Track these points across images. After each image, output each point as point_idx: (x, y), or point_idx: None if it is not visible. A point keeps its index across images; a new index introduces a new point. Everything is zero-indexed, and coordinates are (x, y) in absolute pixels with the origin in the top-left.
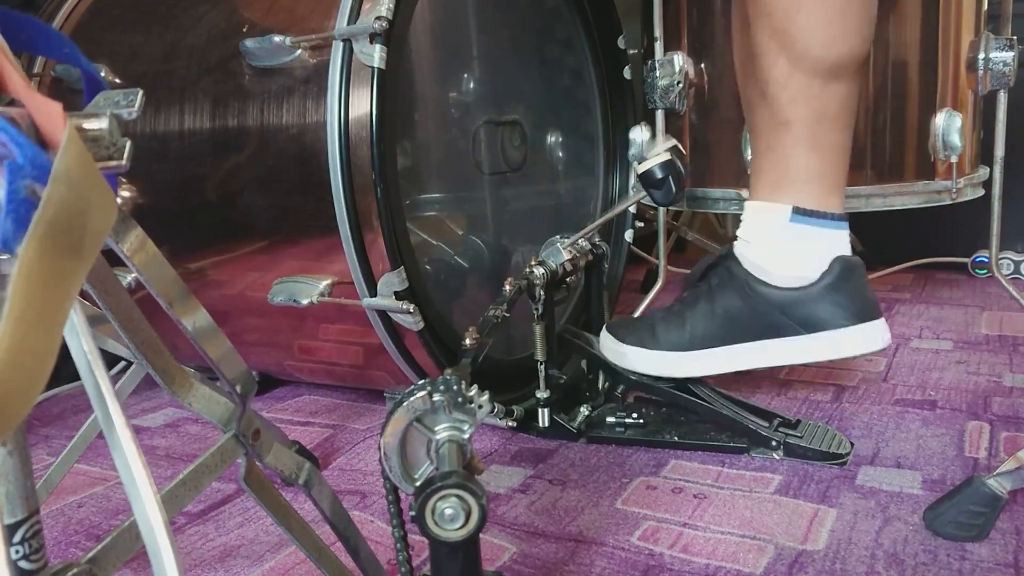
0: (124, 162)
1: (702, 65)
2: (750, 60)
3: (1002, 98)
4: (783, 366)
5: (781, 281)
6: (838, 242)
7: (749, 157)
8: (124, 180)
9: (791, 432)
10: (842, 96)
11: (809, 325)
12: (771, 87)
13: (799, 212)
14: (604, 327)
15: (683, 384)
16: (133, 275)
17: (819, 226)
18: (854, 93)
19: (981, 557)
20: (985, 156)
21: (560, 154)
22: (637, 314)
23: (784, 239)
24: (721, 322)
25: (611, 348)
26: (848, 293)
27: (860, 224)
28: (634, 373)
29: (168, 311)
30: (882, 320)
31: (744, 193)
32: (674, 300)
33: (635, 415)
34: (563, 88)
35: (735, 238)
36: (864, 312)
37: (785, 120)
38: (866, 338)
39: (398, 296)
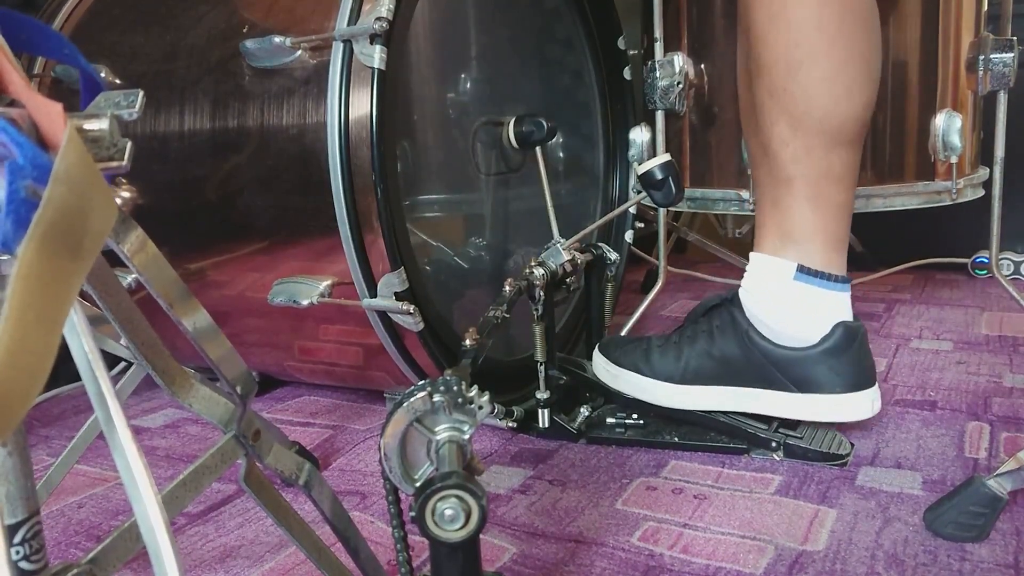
0: (124, 163)
1: (702, 66)
2: (753, 115)
3: (1002, 98)
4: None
5: (781, 339)
6: (841, 305)
7: (747, 163)
8: (124, 180)
9: (791, 433)
10: (845, 159)
11: (803, 386)
12: (773, 145)
13: (804, 271)
14: (596, 347)
15: None
16: (133, 276)
17: (823, 287)
18: (858, 157)
19: (981, 557)
20: (985, 156)
21: (560, 155)
22: (637, 314)
23: (787, 297)
24: (717, 364)
25: (603, 368)
26: (847, 361)
27: (860, 224)
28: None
29: (168, 312)
30: (875, 388)
31: (744, 193)
32: (674, 331)
33: (635, 416)
34: (563, 89)
35: (734, 236)
36: (859, 381)
37: (788, 178)
38: (857, 407)
39: (398, 297)
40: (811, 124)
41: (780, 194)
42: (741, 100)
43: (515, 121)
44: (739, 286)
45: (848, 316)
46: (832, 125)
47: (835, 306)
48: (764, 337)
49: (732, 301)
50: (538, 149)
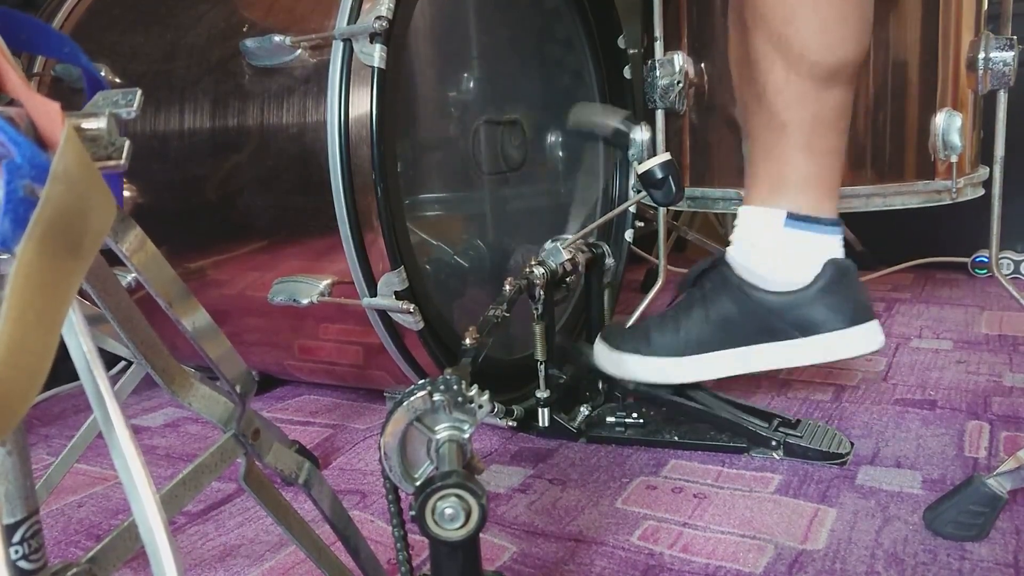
0: (123, 162)
1: (702, 65)
2: (747, 65)
3: (1002, 98)
4: (781, 368)
5: (775, 286)
6: (831, 246)
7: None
8: (124, 180)
9: (791, 432)
10: (838, 101)
11: (803, 328)
12: (768, 91)
13: (793, 217)
14: (598, 336)
15: (681, 390)
16: (132, 275)
17: (813, 231)
18: (850, 98)
19: (981, 557)
20: (985, 156)
21: (560, 154)
22: (636, 314)
23: (778, 244)
24: (716, 327)
25: (606, 356)
26: (841, 296)
27: (860, 224)
28: (631, 382)
29: (167, 311)
30: (875, 322)
31: (744, 192)
32: (667, 306)
33: (635, 415)
34: (563, 88)
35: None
36: (858, 314)
37: (781, 124)
38: (860, 340)
39: (398, 296)
40: (805, 68)
41: (772, 141)
42: (732, 51)
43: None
44: (725, 250)
45: (840, 255)
46: (826, 69)
47: (826, 247)
48: (758, 288)
49: (719, 262)
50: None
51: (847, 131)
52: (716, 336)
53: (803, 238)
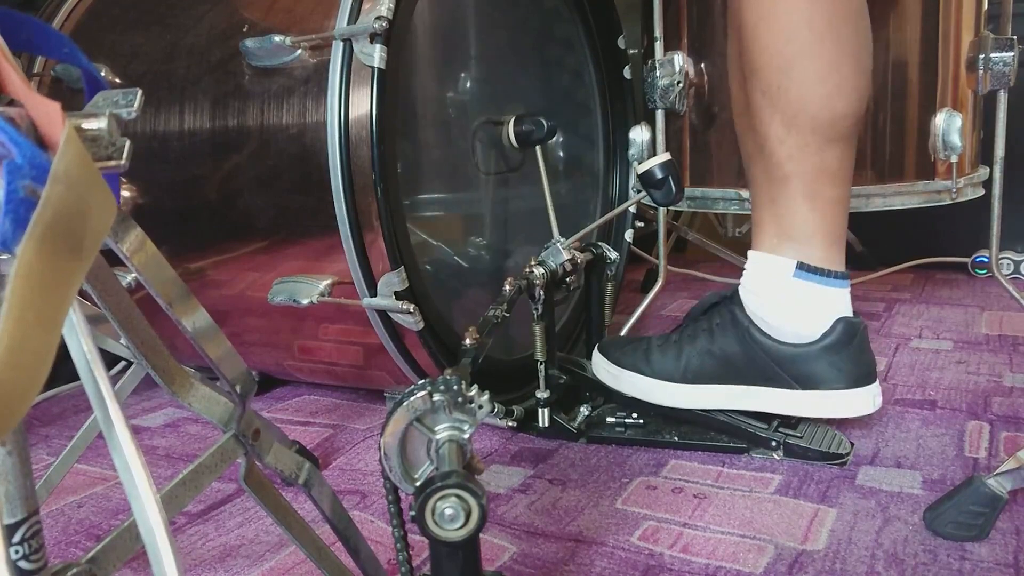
0: (123, 162)
1: (702, 65)
2: (747, 114)
3: (1002, 98)
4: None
5: (781, 335)
6: (841, 301)
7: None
8: (124, 180)
9: (791, 432)
10: (840, 155)
11: (804, 382)
12: (768, 143)
13: (803, 268)
14: (596, 347)
15: None
16: (133, 275)
17: (822, 284)
18: (853, 151)
19: (981, 557)
20: (985, 156)
21: (560, 154)
22: (636, 314)
23: (787, 294)
24: (717, 362)
25: (604, 369)
26: (848, 356)
27: (860, 223)
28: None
29: (168, 311)
30: (876, 385)
31: (744, 193)
32: (673, 330)
33: (635, 415)
34: (563, 88)
35: (734, 235)
36: (861, 377)
37: (784, 176)
38: (858, 403)
39: (398, 296)
40: (805, 121)
41: (777, 192)
42: (734, 99)
43: (514, 121)
44: (739, 284)
45: (848, 312)
46: (825, 121)
47: (835, 302)
48: (765, 334)
49: (732, 299)
50: (538, 148)
51: (850, 181)
52: (716, 370)
53: (813, 290)
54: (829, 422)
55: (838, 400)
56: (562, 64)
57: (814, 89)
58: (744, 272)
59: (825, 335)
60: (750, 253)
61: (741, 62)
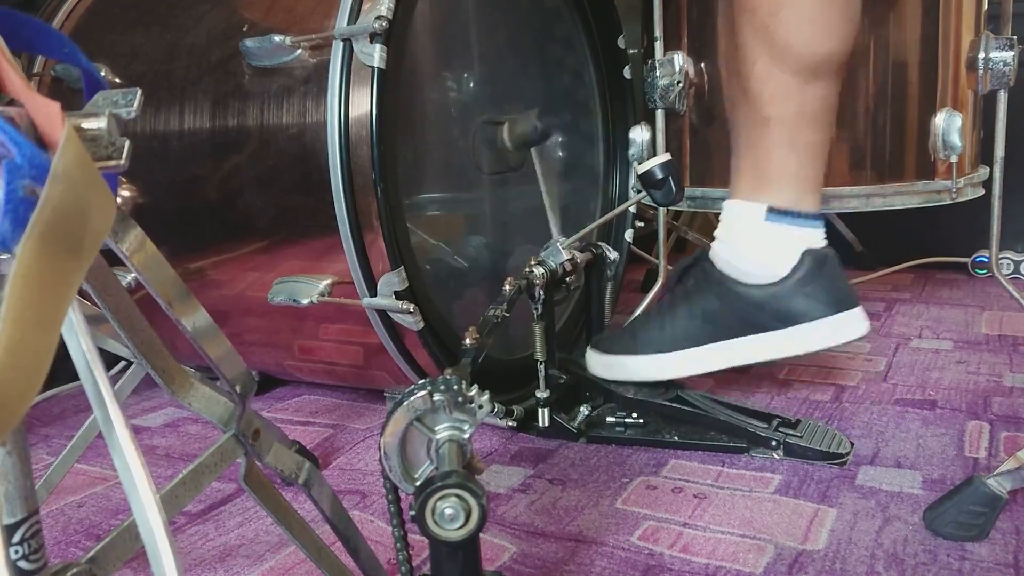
0: (123, 162)
1: (702, 65)
2: (733, 58)
3: (1002, 98)
4: (780, 365)
5: (755, 279)
6: (811, 238)
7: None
8: (124, 180)
9: (791, 432)
10: (822, 96)
11: (785, 319)
12: (752, 84)
13: (773, 211)
14: (589, 345)
15: (678, 396)
16: (133, 275)
17: (792, 224)
18: (834, 94)
19: (981, 557)
20: (985, 156)
21: (560, 154)
22: (636, 314)
23: (757, 238)
24: (700, 323)
25: (597, 361)
26: (821, 285)
27: (860, 224)
28: (628, 388)
29: (167, 311)
30: (859, 308)
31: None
32: (654, 306)
33: (635, 415)
34: (563, 88)
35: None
36: (840, 302)
37: (765, 118)
38: (843, 327)
39: (398, 296)
40: (790, 60)
41: (756, 135)
42: (720, 45)
43: (508, 123)
44: (709, 247)
45: (818, 246)
46: (811, 62)
47: (804, 239)
48: (739, 282)
49: (702, 258)
50: (533, 150)
51: (832, 126)
52: (700, 331)
53: (782, 231)
54: (829, 421)
55: (823, 328)
56: (562, 64)
57: (802, 29)
58: (719, 224)
59: (795, 269)
60: (724, 203)
61: (731, 4)
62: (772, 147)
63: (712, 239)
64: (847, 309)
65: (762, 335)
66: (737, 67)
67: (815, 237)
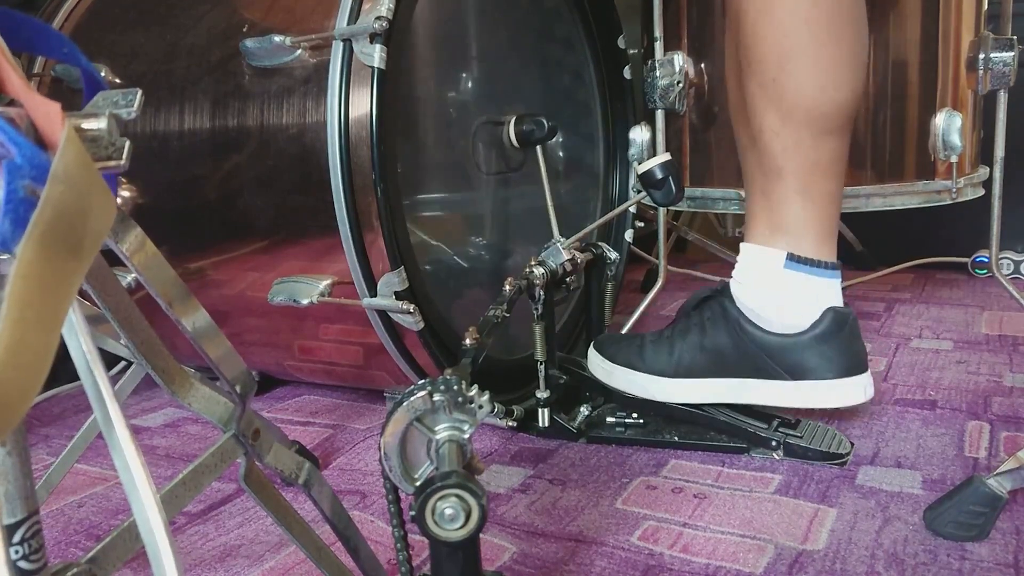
0: (123, 162)
1: (702, 65)
2: (743, 109)
3: (1002, 98)
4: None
5: (772, 326)
6: (831, 292)
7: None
8: (124, 180)
9: (791, 432)
10: (834, 148)
11: (794, 372)
12: (763, 136)
13: (793, 259)
14: (591, 344)
15: None
16: (133, 275)
17: (813, 275)
18: (846, 145)
19: (981, 557)
20: (985, 156)
21: (560, 154)
22: (636, 313)
23: (777, 286)
24: (709, 356)
25: (598, 365)
26: (837, 346)
27: (860, 224)
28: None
29: (167, 311)
30: (867, 374)
31: (744, 192)
32: (667, 326)
33: (635, 415)
34: (563, 88)
35: (734, 235)
36: (851, 367)
37: (778, 169)
38: (849, 392)
39: (398, 296)
40: (800, 115)
41: (770, 185)
42: (730, 94)
43: (515, 120)
44: (730, 279)
45: (838, 302)
46: (820, 115)
47: (825, 292)
48: (755, 325)
49: (722, 293)
50: (538, 148)
51: (844, 175)
52: (707, 364)
53: (803, 281)
54: (828, 420)
55: (828, 390)
56: (562, 64)
57: (810, 83)
58: (736, 265)
59: (814, 325)
60: (742, 246)
61: (738, 55)
62: (786, 197)
63: (712, 239)
64: (857, 374)
65: (766, 381)
66: (747, 117)
67: (834, 290)
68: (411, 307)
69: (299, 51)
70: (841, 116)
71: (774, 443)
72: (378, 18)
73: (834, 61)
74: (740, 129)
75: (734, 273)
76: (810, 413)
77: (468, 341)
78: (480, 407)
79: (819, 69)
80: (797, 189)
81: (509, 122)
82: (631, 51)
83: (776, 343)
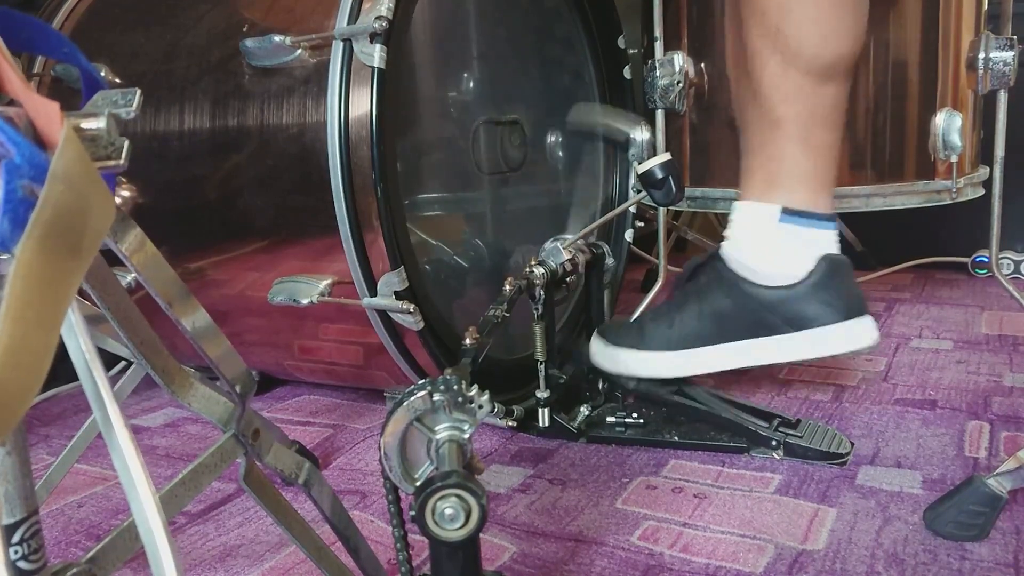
0: (122, 162)
1: (702, 65)
2: (743, 59)
3: (1002, 98)
4: (780, 365)
5: (768, 280)
6: (826, 241)
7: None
8: (124, 180)
9: (791, 432)
10: (833, 96)
11: (796, 323)
12: (763, 86)
13: (788, 212)
14: (595, 332)
15: (681, 390)
16: (132, 275)
17: (807, 226)
18: (845, 94)
19: (981, 557)
20: (985, 156)
21: (560, 154)
22: (636, 313)
23: (772, 239)
24: (710, 322)
25: (601, 352)
26: (835, 291)
27: (860, 224)
28: (630, 380)
29: (167, 311)
30: (869, 317)
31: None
32: (663, 302)
33: (635, 415)
34: (563, 88)
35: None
36: (851, 309)
37: (777, 119)
38: (853, 335)
39: (398, 296)
40: (802, 64)
41: (768, 136)
42: (729, 49)
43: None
44: (720, 245)
45: (834, 250)
46: (822, 63)
47: (820, 242)
48: (751, 283)
49: (715, 256)
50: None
51: (843, 126)
52: (709, 330)
53: (797, 233)
54: (829, 421)
55: (834, 335)
56: (562, 64)
57: (812, 32)
58: (729, 224)
59: (810, 273)
60: (736, 204)
61: (740, 8)
62: (784, 148)
63: (712, 239)
64: (858, 316)
65: (772, 337)
66: (747, 69)
67: (829, 239)
68: (411, 307)
69: (299, 51)
70: (843, 64)
71: (774, 443)
72: (378, 18)
73: (836, 10)
74: (739, 82)
75: (727, 232)
76: (811, 409)
77: (468, 341)
78: (480, 407)
79: (821, 18)
80: (795, 139)
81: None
82: (631, 51)
83: (775, 296)
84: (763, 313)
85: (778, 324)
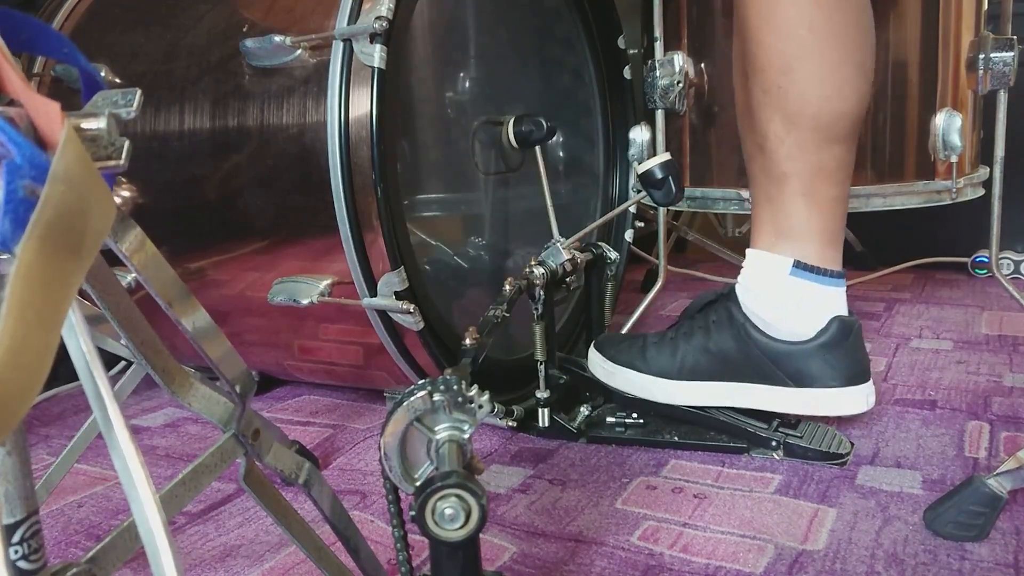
0: (122, 162)
1: (702, 65)
2: (748, 114)
3: (1002, 98)
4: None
5: (777, 333)
6: (836, 300)
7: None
8: (124, 180)
9: (791, 432)
10: (839, 155)
11: (797, 379)
12: (768, 142)
13: (799, 266)
14: (592, 344)
15: None
16: (132, 275)
17: (818, 283)
18: (852, 151)
19: (981, 557)
20: (985, 156)
21: (560, 154)
22: (636, 314)
23: (784, 292)
24: (713, 359)
25: (599, 366)
26: (842, 355)
27: (860, 224)
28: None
29: (167, 311)
30: (870, 384)
31: (744, 193)
32: (669, 327)
33: (635, 415)
34: (563, 88)
35: (734, 235)
36: (854, 376)
37: (783, 173)
38: (850, 401)
39: (398, 296)
40: (804, 121)
41: (775, 191)
42: (737, 98)
43: (514, 121)
44: (736, 283)
45: (844, 311)
46: (825, 122)
47: (831, 300)
48: (760, 331)
49: (728, 296)
50: (537, 148)
51: (850, 180)
52: (711, 367)
53: (808, 288)
54: (829, 421)
55: (831, 398)
56: (562, 64)
57: (814, 90)
58: (741, 270)
59: (820, 333)
60: (748, 251)
61: (744, 62)
62: (792, 201)
63: (712, 239)
64: (860, 384)
65: (769, 387)
66: (752, 123)
67: (839, 298)
68: (411, 307)
69: (299, 51)
70: (846, 124)
71: (774, 443)
72: (378, 18)
73: (838, 69)
74: (746, 134)
75: (740, 278)
76: (810, 416)
77: (468, 341)
78: (480, 407)
79: (823, 77)
80: (802, 194)
81: (508, 122)
82: (631, 51)
83: (781, 350)
84: (766, 363)
85: (779, 376)
